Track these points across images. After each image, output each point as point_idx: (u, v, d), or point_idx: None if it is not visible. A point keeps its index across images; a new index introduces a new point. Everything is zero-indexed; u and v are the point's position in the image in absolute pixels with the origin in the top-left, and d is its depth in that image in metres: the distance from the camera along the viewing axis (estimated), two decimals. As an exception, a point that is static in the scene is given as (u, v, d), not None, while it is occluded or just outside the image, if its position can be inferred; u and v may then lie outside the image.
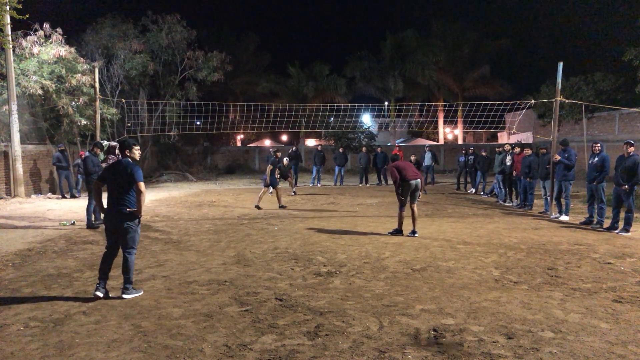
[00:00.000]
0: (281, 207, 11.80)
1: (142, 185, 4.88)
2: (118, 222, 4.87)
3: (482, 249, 7.09)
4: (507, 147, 12.39)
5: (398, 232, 8.20)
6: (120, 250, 4.97)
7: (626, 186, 8.27)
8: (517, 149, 12.01)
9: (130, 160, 4.98)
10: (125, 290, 4.88)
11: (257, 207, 11.65)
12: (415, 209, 8.18)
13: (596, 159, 9.06)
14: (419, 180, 8.06)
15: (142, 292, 4.96)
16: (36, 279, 5.56)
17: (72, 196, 14.37)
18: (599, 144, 9.21)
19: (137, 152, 5.11)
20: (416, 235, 8.08)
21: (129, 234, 4.91)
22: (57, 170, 14.67)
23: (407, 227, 8.20)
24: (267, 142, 38.08)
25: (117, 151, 9.83)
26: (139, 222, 5.03)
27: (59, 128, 15.93)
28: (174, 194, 15.96)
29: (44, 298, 4.83)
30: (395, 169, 8.05)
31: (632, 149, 8.35)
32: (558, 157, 9.85)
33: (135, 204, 4.91)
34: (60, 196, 14.39)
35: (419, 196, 8.18)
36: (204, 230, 8.80)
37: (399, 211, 8.17)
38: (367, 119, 33.97)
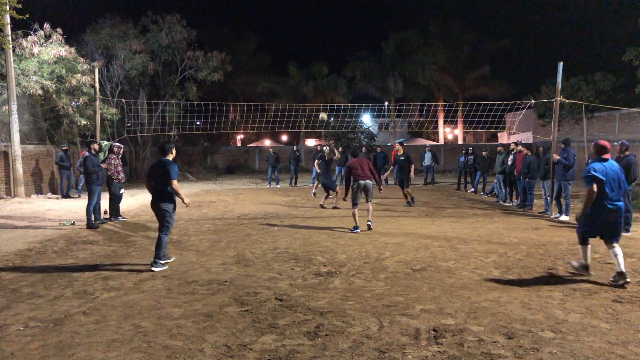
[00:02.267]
0: (334, 207, 11.73)
1: (174, 182, 5.90)
2: (157, 206, 5.98)
3: (482, 249, 7.09)
4: (512, 147, 12.34)
5: (355, 228, 8.41)
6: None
7: None
8: (519, 147, 11.99)
9: (169, 160, 6.05)
10: (153, 263, 5.89)
11: (335, 207, 11.77)
12: (371, 206, 8.74)
13: None
14: (367, 180, 8.47)
15: (166, 267, 5.93)
16: (36, 279, 5.56)
17: (67, 196, 14.30)
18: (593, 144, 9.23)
19: (174, 153, 6.25)
20: (369, 223, 8.59)
21: (164, 217, 6.00)
22: (59, 169, 14.67)
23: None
24: (267, 142, 38.06)
25: (121, 151, 9.90)
26: (175, 208, 6.11)
27: (59, 128, 15.93)
28: (174, 194, 15.94)
29: (44, 298, 4.83)
30: (347, 167, 8.59)
31: (617, 148, 8.38)
32: (557, 157, 9.86)
33: (171, 195, 5.95)
34: (60, 196, 14.39)
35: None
36: (204, 230, 8.81)
37: (352, 209, 8.55)
38: (367, 119, 33.98)
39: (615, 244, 5.35)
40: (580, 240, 5.67)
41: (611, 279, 5.30)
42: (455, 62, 34.43)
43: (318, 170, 12.69)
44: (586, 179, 5.39)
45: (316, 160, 12.66)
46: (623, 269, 5.21)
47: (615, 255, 5.28)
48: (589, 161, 5.82)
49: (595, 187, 5.27)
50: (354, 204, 8.50)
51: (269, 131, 27.28)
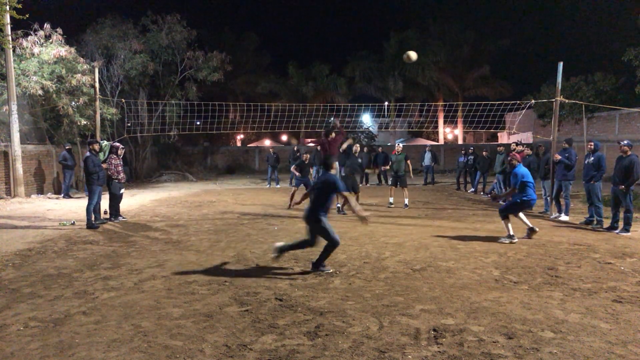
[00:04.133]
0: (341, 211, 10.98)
1: (342, 193, 5.85)
2: (312, 223, 5.80)
3: (482, 249, 7.09)
4: (513, 147, 12.33)
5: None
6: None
7: (622, 186, 8.27)
8: (519, 147, 11.98)
9: (332, 173, 5.94)
10: (322, 267, 5.83)
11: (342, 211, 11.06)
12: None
13: (592, 158, 9.08)
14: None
15: (330, 270, 5.81)
16: (36, 279, 5.56)
17: (68, 196, 14.29)
18: (592, 143, 9.23)
19: (336, 168, 6.16)
20: (338, 205, 10.51)
21: (322, 232, 5.76)
22: (63, 169, 14.68)
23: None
24: (267, 142, 38.07)
25: (120, 151, 9.90)
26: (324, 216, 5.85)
27: (59, 128, 15.93)
28: (174, 194, 15.96)
29: (44, 298, 4.83)
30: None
31: (624, 148, 8.37)
32: (559, 157, 9.83)
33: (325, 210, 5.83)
34: (60, 196, 14.39)
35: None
36: (204, 230, 8.80)
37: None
38: (367, 119, 34.00)
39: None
40: (503, 217, 7.68)
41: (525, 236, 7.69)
42: (455, 62, 34.42)
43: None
44: (517, 182, 7.61)
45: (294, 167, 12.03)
46: (530, 224, 7.79)
47: (522, 217, 7.85)
48: (511, 165, 7.97)
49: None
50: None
51: (269, 131, 27.27)
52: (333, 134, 10.37)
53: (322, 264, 5.85)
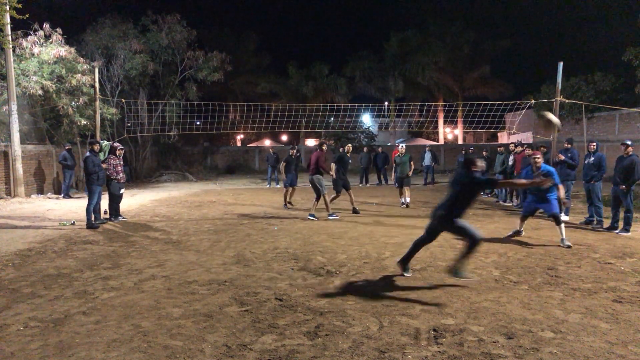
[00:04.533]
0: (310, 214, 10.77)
1: (498, 183, 6.13)
2: (444, 223, 5.26)
3: (482, 248, 7.08)
4: (512, 147, 12.34)
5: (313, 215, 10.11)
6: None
7: (623, 186, 8.27)
8: (519, 148, 11.99)
9: (475, 172, 5.19)
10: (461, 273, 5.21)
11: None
12: (327, 197, 10.26)
13: (592, 158, 9.08)
14: (311, 175, 10.04)
15: (472, 277, 5.38)
16: (36, 279, 5.56)
17: (68, 196, 14.30)
18: (594, 143, 9.23)
19: (481, 166, 5.29)
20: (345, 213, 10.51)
21: (459, 231, 5.25)
22: (63, 169, 14.69)
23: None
24: (267, 142, 38.08)
25: (118, 152, 9.90)
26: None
27: (59, 128, 15.93)
28: (174, 194, 15.96)
29: (44, 298, 4.83)
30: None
31: (630, 149, 8.36)
32: (562, 157, 9.78)
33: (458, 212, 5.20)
34: (60, 196, 14.39)
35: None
36: (204, 230, 8.81)
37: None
38: (367, 119, 34.02)
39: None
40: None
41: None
42: (455, 62, 34.43)
43: (334, 175, 10.90)
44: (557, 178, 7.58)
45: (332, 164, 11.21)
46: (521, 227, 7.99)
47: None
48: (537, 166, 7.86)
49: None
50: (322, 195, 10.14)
51: (269, 131, 27.27)
52: (325, 147, 10.86)
53: (460, 269, 5.19)
